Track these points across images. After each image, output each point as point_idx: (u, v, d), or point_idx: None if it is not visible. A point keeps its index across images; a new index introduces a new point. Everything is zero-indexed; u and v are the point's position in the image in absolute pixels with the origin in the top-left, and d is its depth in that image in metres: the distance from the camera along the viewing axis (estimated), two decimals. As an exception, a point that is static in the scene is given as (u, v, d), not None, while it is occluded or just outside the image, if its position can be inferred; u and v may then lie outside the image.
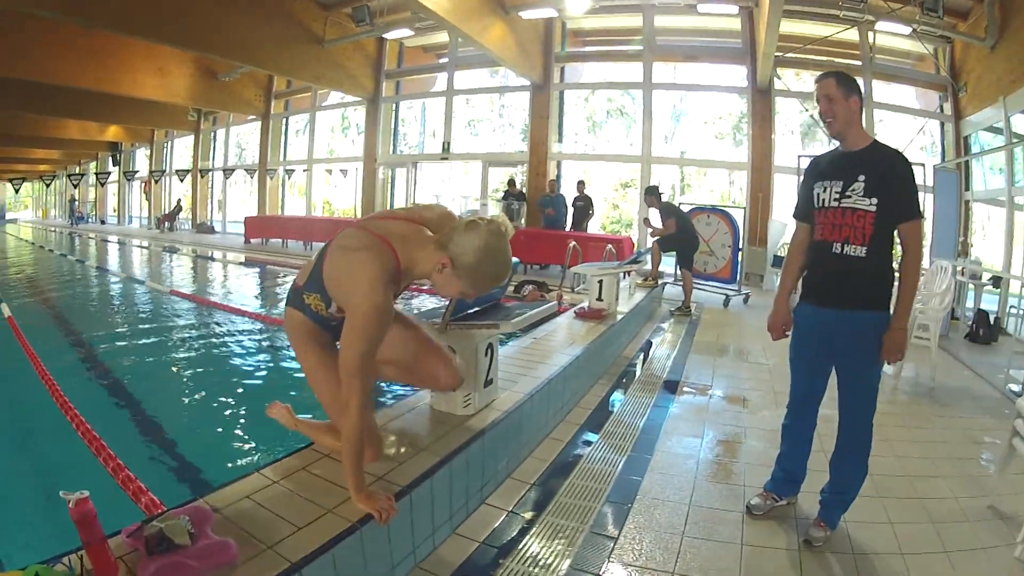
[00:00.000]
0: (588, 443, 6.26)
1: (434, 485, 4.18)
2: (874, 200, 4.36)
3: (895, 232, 4.45)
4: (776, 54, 18.71)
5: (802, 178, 4.93)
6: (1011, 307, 14.75)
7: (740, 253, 17.09)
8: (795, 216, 5.00)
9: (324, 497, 3.74)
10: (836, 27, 18.79)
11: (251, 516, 3.50)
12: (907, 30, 17.89)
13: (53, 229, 50.49)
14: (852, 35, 19.59)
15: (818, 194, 4.59)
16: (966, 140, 18.89)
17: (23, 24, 21.22)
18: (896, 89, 21.16)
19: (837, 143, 4.63)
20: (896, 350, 4.41)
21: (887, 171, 4.39)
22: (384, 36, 25.50)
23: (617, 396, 7.90)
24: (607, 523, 4.74)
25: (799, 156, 17.36)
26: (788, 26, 16.78)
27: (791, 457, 5.06)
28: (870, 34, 19.93)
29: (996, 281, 15.03)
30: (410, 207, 4.24)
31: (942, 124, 20.13)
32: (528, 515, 4.79)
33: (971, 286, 15.13)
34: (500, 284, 3.74)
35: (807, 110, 23.08)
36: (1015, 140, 15.67)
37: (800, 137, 26.87)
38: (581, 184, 22.00)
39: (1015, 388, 9.47)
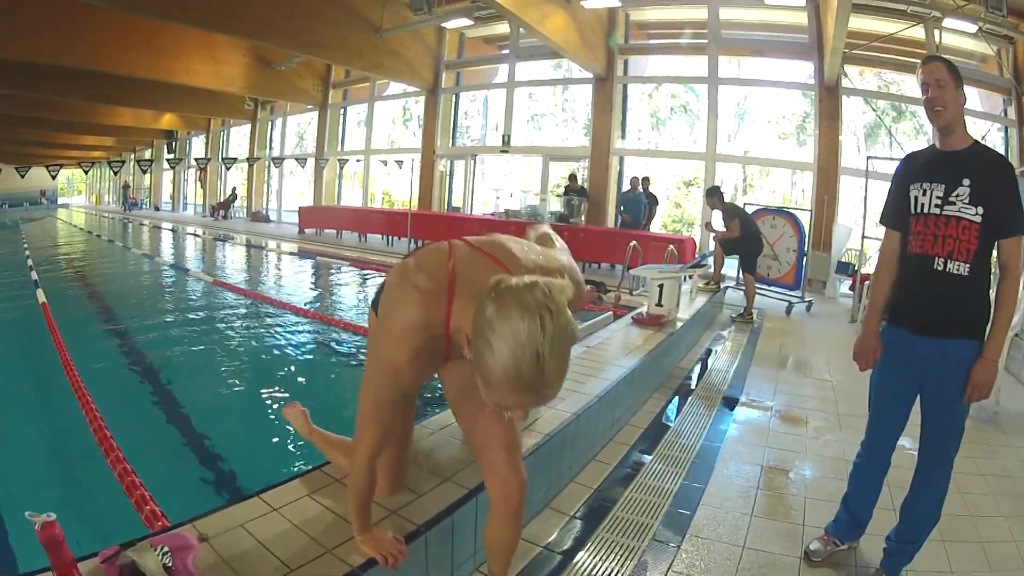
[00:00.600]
0: (639, 466, 5.85)
1: (456, 522, 3.73)
2: (980, 209, 3.86)
3: (995, 248, 3.95)
4: (843, 51, 18.15)
5: (895, 176, 4.37)
6: None
7: (804, 258, 16.45)
8: (883, 222, 4.49)
9: (326, 534, 3.41)
10: (903, 23, 18.27)
11: (241, 550, 3.20)
12: (972, 28, 17.31)
13: (105, 215, 51.43)
14: (917, 33, 19.01)
15: (916, 197, 4.08)
16: None
17: (74, 11, 21.16)
18: None
19: (934, 140, 4.12)
20: (985, 386, 3.89)
21: (994, 176, 3.91)
22: (443, 25, 25.26)
23: (673, 412, 7.47)
24: (651, 567, 4.30)
25: (868, 158, 16.75)
26: (854, 22, 16.25)
27: (859, 498, 4.57)
28: (936, 32, 19.06)
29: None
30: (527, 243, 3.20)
31: (1005, 129, 19.53)
32: (565, 551, 4.40)
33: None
34: (539, 397, 2.29)
35: (874, 109, 22.62)
36: None
37: (863, 138, 26.45)
38: (646, 181, 21.29)
39: None
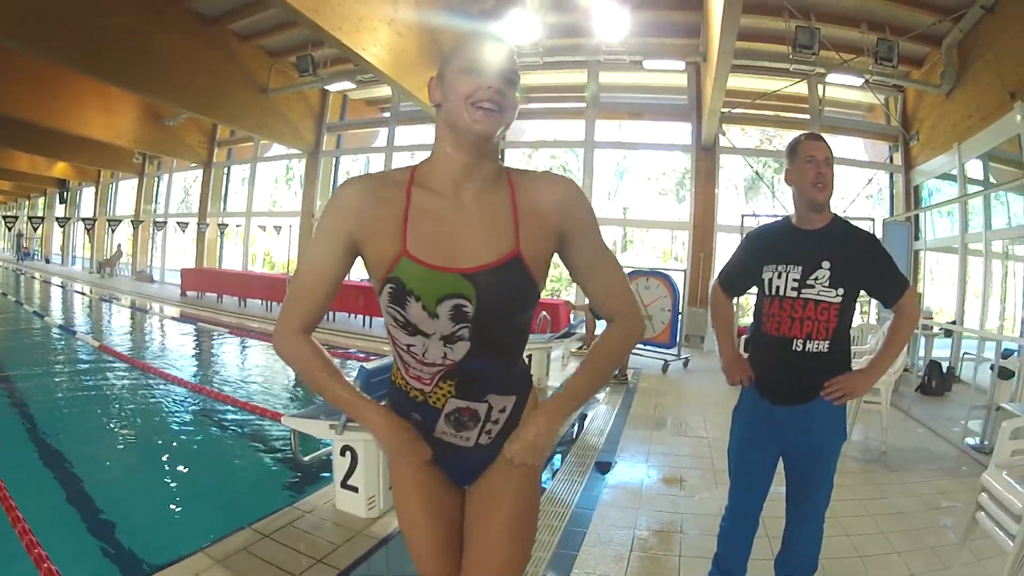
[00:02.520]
0: None
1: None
2: (841, 291, 3.90)
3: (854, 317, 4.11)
4: (723, 110, 18.34)
5: (742, 249, 4.45)
6: (964, 353, 14.61)
7: (680, 317, 16.67)
8: (723, 286, 4.57)
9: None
10: (786, 81, 18.64)
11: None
12: (859, 81, 17.81)
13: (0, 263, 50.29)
14: (800, 88, 19.49)
15: (770, 279, 4.07)
16: (916, 189, 18.92)
17: None
18: (844, 141, 20.99)
19: (793, 215, 4.17)
20: (851, 392, 3.98)
21: (861, 258, 3.97)
22: (327, 88, 25.26)
23: (547, 477, 7.32)
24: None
25: (743, 215, 17.30)
26: (735, 81, 16.59)
27: (729, 558, 4.52)
28: (820, 86, 19.83)
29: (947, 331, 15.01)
30: None
31: (891, 174, 20.19)
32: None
33: (922, 336, 14.93)
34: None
35: (751, 167, 22.95)
36: (969, 188, 15.68)
37: (743, 192, 26.82)
38: None
39: (972, 442, 9.37)
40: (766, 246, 4.21)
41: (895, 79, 17.63)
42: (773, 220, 4.45)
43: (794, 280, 3.96)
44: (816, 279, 3.90)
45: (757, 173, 23.86)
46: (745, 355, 4.38)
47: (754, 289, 4.29)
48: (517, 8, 17.59)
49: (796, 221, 4.15)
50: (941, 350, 15.13)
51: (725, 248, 20.93)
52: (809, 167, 3.99)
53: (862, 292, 4.07)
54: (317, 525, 4.95)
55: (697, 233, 20.98)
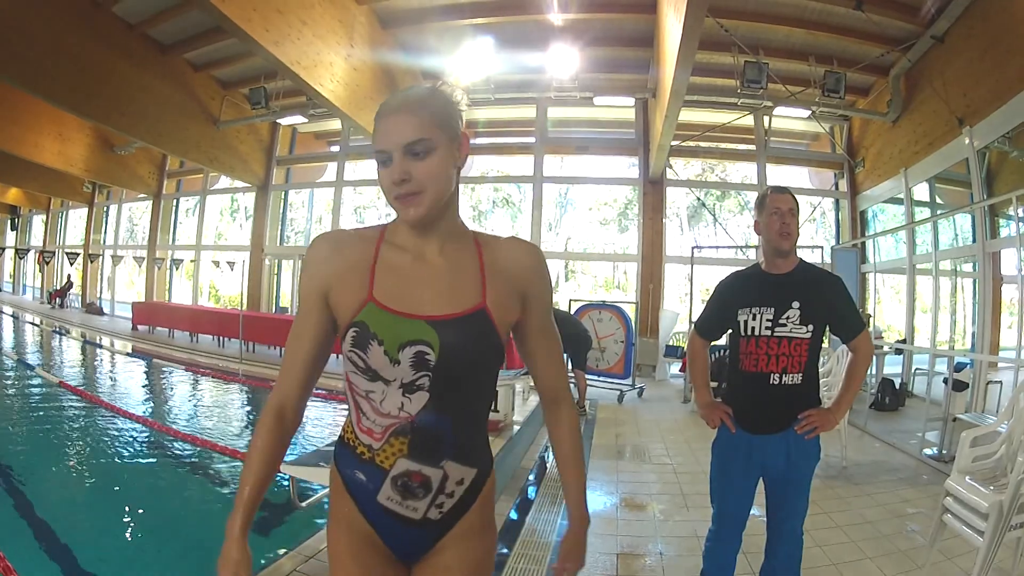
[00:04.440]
0: (501, 566, 5.72)
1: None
2: (810, 327, 4.18)
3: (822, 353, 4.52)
4: (672, 143, 18.32)
5: (717, 296, 4.66)
6: (916, 369, 15.04)
7: (633, 348, 16.54)
8: (700, 332, 4.79)
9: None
10: (733, 114, 18.75)
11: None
12: (806, 113, 18.01)
13: None
14: (747, 120, 19.63)
15: (745, 321, 4.31)
16: (862, 215, 19.26)
17: None
18: (789, 171, 21.39)
19: (761, 261, 4.46)
20: (821, 426, 4.22)
21: (825, 296, 4.27)
22: (278, 121, 24.73)
23: (524, 512, 7.36)
24: None
25: (693, 247, 17.10)
26: (684, 115, 16.37)
27: (716, 574, 4.62)
28: (766, 118, 19.94)
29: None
30: None
31: (836, 201, 20.58)
32: None
33: (873, 355, 14.98)
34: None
35: (697, 196, 23.12)
36: (915, 210, 16.24)
37: (687, 220, 26.96)
38: None
39: (930, 452, 9.79)
40: (739, 291, 4.45)
41: (841, 109, 17.86)
42: (743, 268, 4.64)
43: (768, 320, 4.20)
44: (788, 318, 4.16)
45: (702, 203, 24.03)
46: (718, 399, 4.58)
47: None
48: (471, 45, 17.67)
49: (765, 267, 4.41)
50: (892, 367, 15.39)
51: (673, 279, 21.30)
52: (775, 219, 4.26)
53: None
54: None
55: (645, 264, 20.97)
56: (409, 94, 2.21)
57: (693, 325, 4.86)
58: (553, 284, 2.60)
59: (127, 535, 6.83)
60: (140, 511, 7.49)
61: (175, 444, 10.47)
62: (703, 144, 20.99)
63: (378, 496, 2.29)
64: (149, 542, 6.63)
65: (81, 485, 8.62)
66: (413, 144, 2.11)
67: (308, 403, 2.51)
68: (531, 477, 8.83)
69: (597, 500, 7.84)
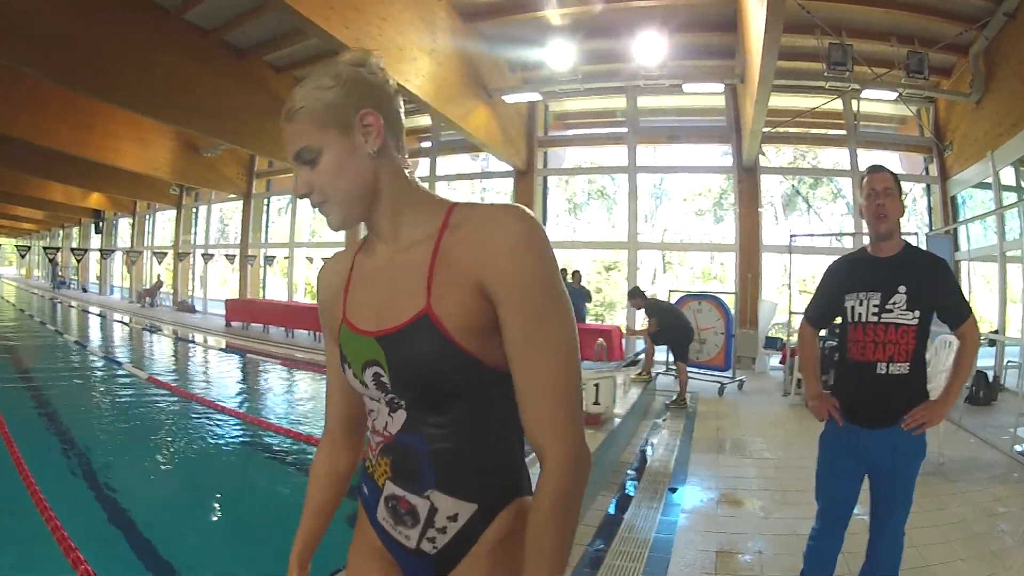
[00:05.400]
0: (598, 563, 5.77)
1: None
2: (917, 313, 4.08)
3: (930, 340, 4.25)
4: (763, 130, 18.21)
5: (825, 282, 4.61)
6: (1008, 362, 14.73)
7: (732, 339, 16.38)
8: (810, 321, 4.76)
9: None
10: (821, 99, 18.60)
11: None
12: (892, 95, 17.77)
13: (35, 291, 51.38)
14: (835, 104, 19.42)
15: (853, 307, 4.24)
16: (953, 200, 18.81)
17: (3, 79, 20.74)
18: (879, 156, 20.62)
19: (869, 246, 4.35)
20: (929, 420, 4.10)
21: (933, 280, 4.15)
22: None
23: (623, 507, 7.37)
24: None
25: (791, 235, 17.03)
26: (772, 100, 16.22)
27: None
28: (854, 102, 19.75)
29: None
30: None
31: (927, 186, 20.15)
32: None
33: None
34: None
35: (792, 184, 22.94)
36: (1004, 195, 15.76)
37: (781, 208, 26.72)
38: (577, 275, 21.01)
39: (1021, 448, 9.55)
40: (846, 276, 4.40)
41: (926, 91, 17.59)
42: (850, 252, 4.57)
43: (874, 306, 4.12)
44: (894, 303, 4.07)
45: (796, 190, 23.85)
46: (826, 391, 4.51)
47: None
48: (556, 36, 17.73)
49: (871, 250, 4.33)
50: (985, 359, 14.78)
51: (772, 269, 21.05)
52: (870, 200, 4.19)
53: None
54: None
55: (743, 254, 20.83)
56: (291, 96, 1.95)
57: (803, 314, 4.83)
58: (548, 268, 1.85)
59: (214, 530, 7.09)
60: (232, 505, 7.81)
61: (269, 437, 10.79)
62: (793, 130, 20.79)
63: (377, 513, 2.14)
64: (239, 536, 6.86)
65: (171, 479, 8.82)
66: (298, 156, 1.94)
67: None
68: (630, 472, 8.86)
69: (697, 495, 7.86)
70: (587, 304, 21.28)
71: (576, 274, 21.01)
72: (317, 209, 1.99)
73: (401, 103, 2.04)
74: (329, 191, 1.93)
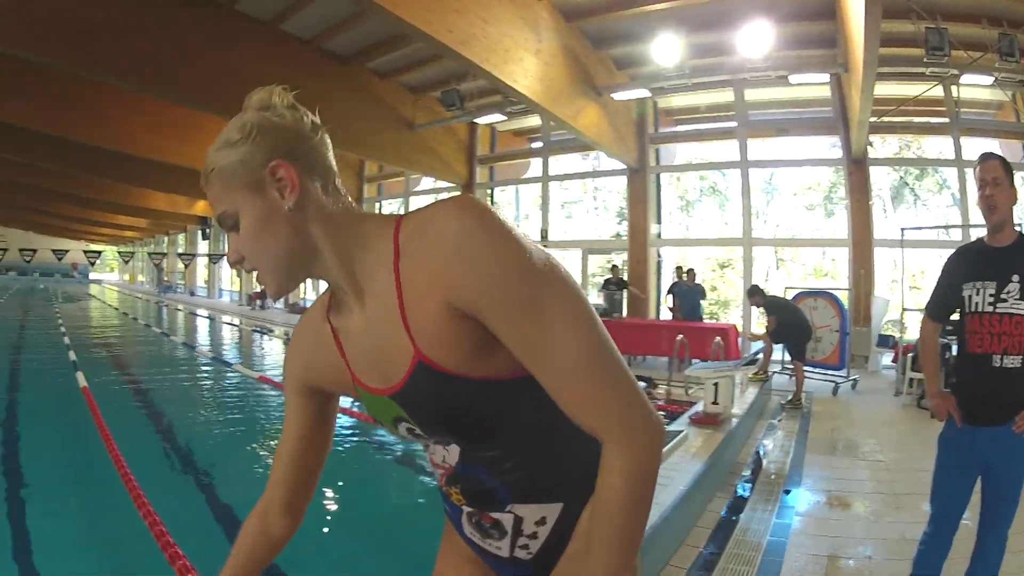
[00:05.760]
0: (711, 566, 5.76)
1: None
2: None
3: None
4: (869, 120, 17.97)
5: (944, 273, 4.53)
6: None
7: (847, 337, 16.17)
8: (932, 316, 4.68)
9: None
10: (923, 85, 18.12)
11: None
12: (988, 80, 17.28)
13: (140, 296, 53.30)
14: (936, 92, 18.97)
15: (970, 296, 4.21)
16: None
17: (103, 91, 21.82)
18: (981, 144, 19.90)
19: (985, 235, 4.29)
20: None
21: None
22: (475, 121, 25.31)
23: (737, 509, 7.32)
24: None
25: (902, 228, 16.80)
26: (876, 88, 16.04)
27: None
28: (953, 88, 19.43)
29: None
30: None
31: None
32: None
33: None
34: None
35: (900, 176, 22.64)
36: None
37: (890, 201, 26.39)
38: (691, 273, 20.95)
39: None
40: (964, 265, 4.36)
41: (1020, 74, 16.93)
42: (967, 243, 4.55)
43: (990, 295, 4.09)
44: (1008, 292, 4.03)
45: (904, 181, 23.55)
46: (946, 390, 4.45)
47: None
48: (660, 31, 17.76)
49: (987, 240, 4.28)
50: None
51: (882, 264, 20.75)
52: (980, 191, 4.16)
53: None
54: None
55: (856, 249, 20.48)
56: (206, 157, 1.84)
57: (923, 310, 4.76)
58: (509, 251, 1.62)
59: (322, 529, 7.06)
60: (342, 504, 7.87)
61: (380, 435, 10.76)
62: (898, 119, 20.26)
63: (463, 529, 2.08)
64: (349, 535, 6.99)
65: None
66: (220, 222, 1.81)
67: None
68: (746, 473, 8.85)
69: (810, 498, 7.83)
70: (702, 302, 21.14)
71: (690, 272, 20.91)
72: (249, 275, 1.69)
73: (323, 138, 1.88)
74: (255, 257, 1.77)
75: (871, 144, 20.45)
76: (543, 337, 1.62)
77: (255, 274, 1.80)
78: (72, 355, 17.44)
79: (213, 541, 6.15)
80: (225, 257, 1.92)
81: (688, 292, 20.51)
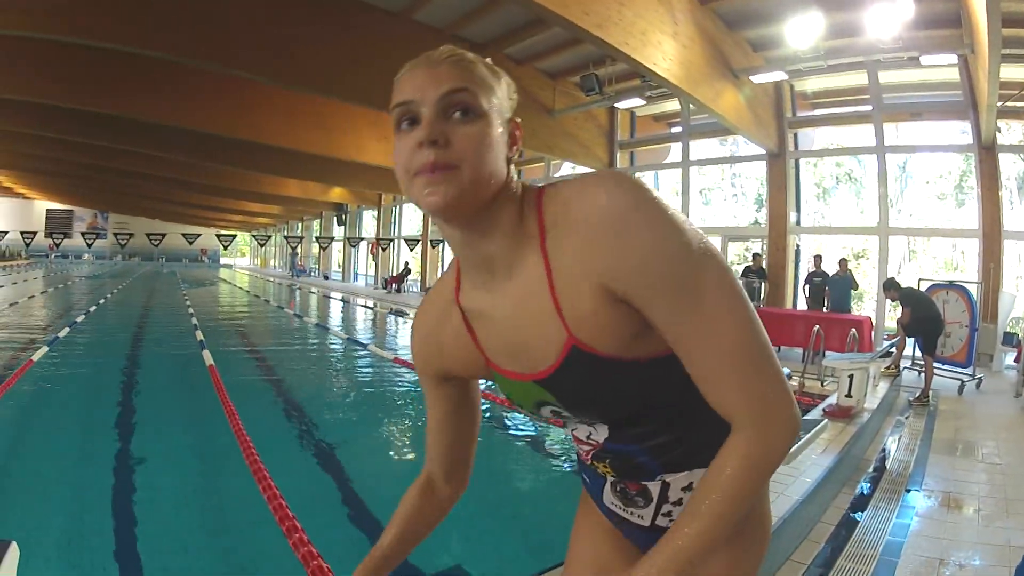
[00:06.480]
0: (830, 565, 5.82)
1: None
2: None
3: None
4: (997, 104, 17.25)
5: None
6: None
7: (976, 333, 15.74)
8: None
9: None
10: (1041, 65, 17.50)
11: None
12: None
13: (271, 279, 54.83)
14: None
15: None
16: None
17: (243, 87, 23.35)
18: None
19: None
20: None
21: None
22: (615, 105, 25.58)
23: (860, 506, 7.35)
24: None
25: None
26: (1003, 71, 15.34)
27: None
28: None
29: None
30: None
31: None
32: None
33: None
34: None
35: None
36: None
37: (1016, 192, 25.95)
38: (843, 263, 20.90)
39: None
40: None
41: None
42: None
43: None
44: None
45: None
46: None
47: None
48: (795, 10, 17.74)
49: None
50: None
51: (1009, 258, 20.15)
52: None
53: None
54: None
55: (986, 241, 19.86)
56: (455, 49, 1.76)
57: None
58: (671, 231, 1.62)
59: (465, 519, 6.59)
60: (479, 490, 7.92)
61: (514, 416, 10.82)
62: (1019, 104, 19.36)
63: (603, 498, 2.15)
64: (491, 522, 6.82)
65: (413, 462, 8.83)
66: (450, 95, 1.66)
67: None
68: (871, 471, 8.81)
69: (930, 499, 7.73)
70: (852, 291, 20.95)
71: (843, 261, 20.81)
72: (417, 174, 1.65)
73: None
74: (467, 155, 1.64)
75: (999, 130, 19.80)
76: (699, 321, 1.63)
77: (438, 170, 1.63)
78: (199, 335, 18.23)
79: (340, 527, 6.37)
80: (426, 133, 1.63)
81: (839, 282, 20.47)
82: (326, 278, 57.98)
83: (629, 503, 2.05)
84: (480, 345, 2.00)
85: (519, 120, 1.83)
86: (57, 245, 67.58)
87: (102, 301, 29.90)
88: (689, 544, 1.67)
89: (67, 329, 18.58)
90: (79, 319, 21.63)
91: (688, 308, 1.63)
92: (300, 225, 74.85)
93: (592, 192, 1.66)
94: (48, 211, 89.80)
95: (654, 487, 1.97)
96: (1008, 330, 18.64)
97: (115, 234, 46.60)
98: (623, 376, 1.78)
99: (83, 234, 50.78)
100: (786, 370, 11.43)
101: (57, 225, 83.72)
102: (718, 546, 1.71)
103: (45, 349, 14.45)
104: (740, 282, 1.71)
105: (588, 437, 2.02)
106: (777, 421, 1.68)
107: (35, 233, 47.77)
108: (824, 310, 20.53)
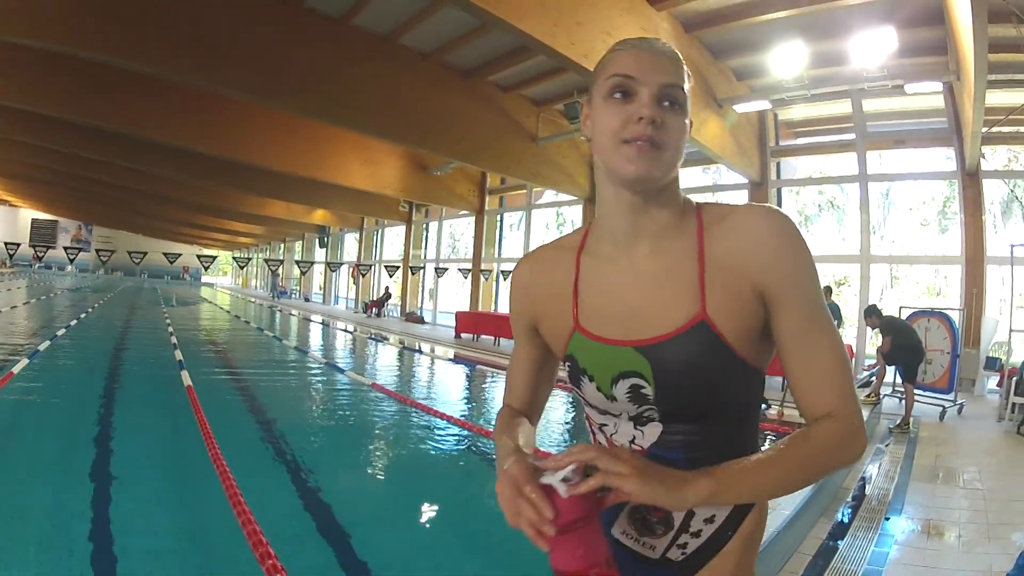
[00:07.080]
0: None
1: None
2: None
3: None
4: (982, 131, 17.24)
5: None
6: None
7: (957, 360, 15.64)
8: None
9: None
10: (1025, 91, 17.58)
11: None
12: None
13: (252, 300, 54.56)
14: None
15: None
16: None
17: (229, 107, 23.43)
18: None
19: None
20: None
21: None
22: None
23: (838, 535, 7.25)
24: None
25: (1012, 245, 16.24)
26: (988, 98, 15.39)
27: None
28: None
29: None
30: None
31: None
32: None
33: None
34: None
35: (1011, 190, 22.38)
36: None
37: (999, 217, 26.08)
38: (828, 290, 19.76)
39: None
40: None
41: None
42: None
43: None
44: None
45: (1014, 195, 23.22)
46: None
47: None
48: (780, 40, 17.83)
49: None
50: None
51: (992, 282, 20.14)
52: None
53: None
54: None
55: (969, 267, 20.20)
56: (669, 46, 1.98)
57: None
58: (811, 257, 1.91)
59: (420, 535, 7.21)
60: (447, 513, 8.00)
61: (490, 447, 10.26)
62: (1006, 129, 19.30)
63: (612, 529, 2.11)
64: (451, 541, 7.00)
65: (387, 484, 9.21)
66: (670, 88, 1.87)
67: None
68: (850, 500, 8.67)
69: (909, 526, 7.69)
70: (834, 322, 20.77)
71: (827, 289, 19.99)
72: (627, 142, 1.84)
73: None
74: (672, 141, 1.87)
75: (984, 156, 19.98)
76: (816, 334, 1.89)
77: (651, 147, 1.84)
78: (178, 354, 17.93)
79: (307, 544, 6.37)
80: (651, 112, 1.82)
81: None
82: (307, 300, 58.64)
83: (646, 531, 2.06)
84: (577, 301, 2.10)
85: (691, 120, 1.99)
86: (40, 257, 69.83)
87: (83, 315, 29.73)
88: (763, 481, 1.81)
89: (47, 342, 18.56)
90: (59, 332, 21.60)
91: (808, 317, 1.89)
92: (282, 246, 75.08)
93: (760, 212, 1.93)
94: (33, 220, 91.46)
95: (679, 513, 2.00)
96: (991, 354, 18.72)
97: (97, 251, 47.04)
98: (726, 367, 1.90)
99: (66, 248, 50.88)
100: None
101: (42, 235, 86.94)
102: (769, 496, 1.93)
103: (26, 361, 14.51)
104: None
105: (632, 441, 2.05)
106: (862, 428, 1.87)
107: (19, 244, 47.78)
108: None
